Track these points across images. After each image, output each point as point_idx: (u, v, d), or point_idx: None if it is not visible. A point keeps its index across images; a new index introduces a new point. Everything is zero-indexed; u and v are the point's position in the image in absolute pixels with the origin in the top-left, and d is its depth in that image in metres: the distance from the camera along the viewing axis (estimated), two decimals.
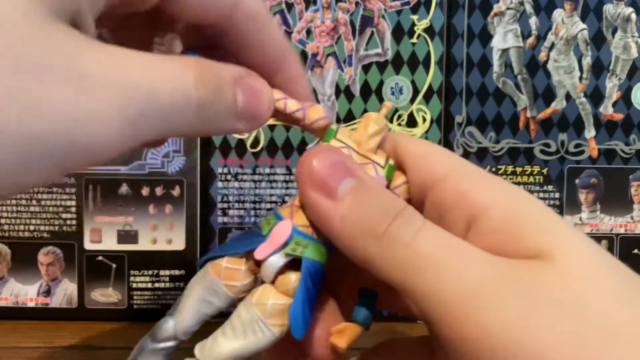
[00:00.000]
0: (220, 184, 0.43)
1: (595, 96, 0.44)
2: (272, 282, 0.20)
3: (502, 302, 0.16)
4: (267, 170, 0.43)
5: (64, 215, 0.42)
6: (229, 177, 0.43)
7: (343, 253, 0.20)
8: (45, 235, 0.42)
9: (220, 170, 0.43)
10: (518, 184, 0.44)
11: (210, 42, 0.22)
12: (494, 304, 0.16)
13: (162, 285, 0.43)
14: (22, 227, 0.42)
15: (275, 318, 0.20)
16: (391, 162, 0.22)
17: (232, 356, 0.20)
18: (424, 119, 0.43)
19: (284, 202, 0.43)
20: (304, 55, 0.42)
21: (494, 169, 0.44)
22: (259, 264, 0.21)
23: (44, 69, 0.14)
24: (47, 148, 0.15)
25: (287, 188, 0.43)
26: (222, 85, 0.19)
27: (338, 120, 0.43)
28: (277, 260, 0.20)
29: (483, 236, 0.19)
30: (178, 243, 0.42)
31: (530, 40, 0.44)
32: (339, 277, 0.23)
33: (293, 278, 0.20)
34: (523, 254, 0.18)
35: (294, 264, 0.20)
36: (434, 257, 0.18)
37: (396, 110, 0.43)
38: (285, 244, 0.20)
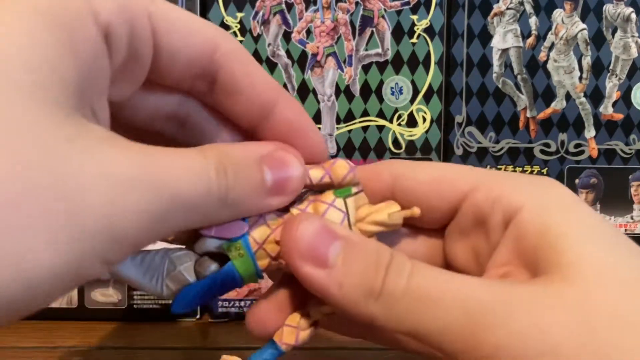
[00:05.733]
0: None
1: (595, 96, 0.44)
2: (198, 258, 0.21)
3: (509, 319, 0.17)
4: None
5: None
6: None
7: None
8: None
9: None
10: None
11: (207, 103, 0.22)
12: (502, 322, 0.17)
13: None
14: None
15: (173, 282, 0.21)
16: None
17: (130, 282, 0.21)
18: (424, 119, 0.43)
19: None
20: (304, 55, 0.43)
21: (493, 169, 0.44)
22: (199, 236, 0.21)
23: (74, 172, 0.15)
24: (93, 245, 0.15)
25: None
26: (245, 167, 0.19)
27: (338, 120, 0.43)
28: (210, 245, 0.21)
29: (515, 240, 0.20)
30: None
31: (530, 40, 0.44)
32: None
33: (211, 267, 0.21)
34: (544, 264, 0.18)
35: (223, 256, 0.21)
36: (432, 294, 0.18)
37: (396, 110, 0.43)
38: (229, 240, 0.20)
